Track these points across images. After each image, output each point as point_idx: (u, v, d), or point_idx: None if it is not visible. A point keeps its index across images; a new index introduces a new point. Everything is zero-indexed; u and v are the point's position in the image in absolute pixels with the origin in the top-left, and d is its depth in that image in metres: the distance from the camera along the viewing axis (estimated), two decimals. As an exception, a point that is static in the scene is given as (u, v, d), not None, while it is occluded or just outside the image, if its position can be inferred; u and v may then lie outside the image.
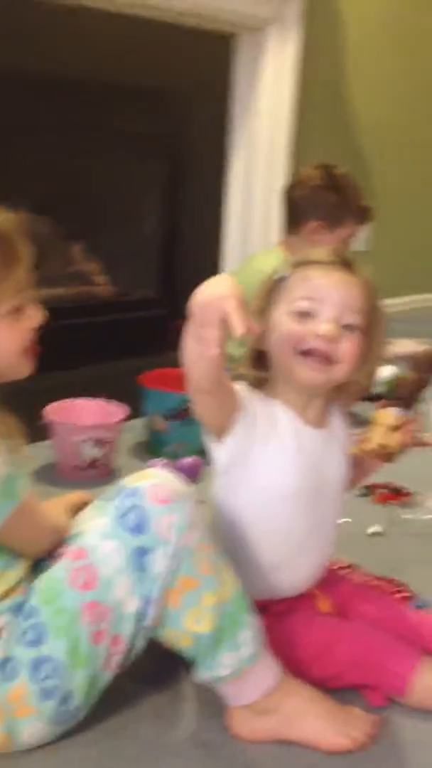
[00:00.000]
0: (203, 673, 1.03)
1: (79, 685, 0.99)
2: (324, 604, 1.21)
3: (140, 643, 1.02)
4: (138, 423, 2.04)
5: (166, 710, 1.10)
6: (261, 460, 1.09)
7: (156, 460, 1.87)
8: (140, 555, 0.97)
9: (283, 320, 1.08)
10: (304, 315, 1.07)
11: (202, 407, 1.05)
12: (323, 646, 1.13)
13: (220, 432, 1.07)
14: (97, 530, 1.00)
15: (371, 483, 1.86)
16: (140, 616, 0.99)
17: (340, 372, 1.08)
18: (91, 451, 1.82)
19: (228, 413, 1.06)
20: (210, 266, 2.97)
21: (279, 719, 1.04)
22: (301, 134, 3.02)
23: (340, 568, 1.41)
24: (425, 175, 3.85)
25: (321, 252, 1.12)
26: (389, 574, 1.44)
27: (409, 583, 1.41)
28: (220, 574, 1.01)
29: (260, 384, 1.12)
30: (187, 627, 1.00)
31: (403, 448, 1.19)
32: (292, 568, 1.15)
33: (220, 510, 1.13)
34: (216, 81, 2.89)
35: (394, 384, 1.21)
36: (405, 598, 1.35)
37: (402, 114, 3.60)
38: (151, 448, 1.99)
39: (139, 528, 0.97)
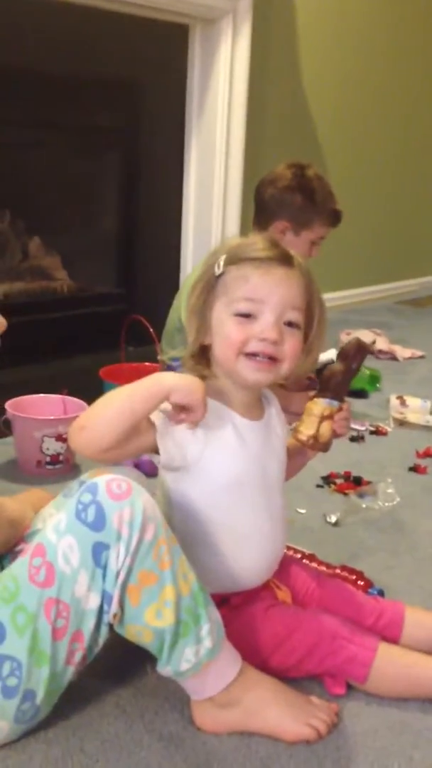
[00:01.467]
0: (165, 668, 1.04)
1: (41, 682, 1.00)
2: (282, 594, 1.23)
3: (102, 638, 1.03)
4: (99, 418, 2.04)
5: (130, 705, 1.11)
6: (204, 456, 1.09)
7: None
8: (98, 551, 0.98)
9: (225, 321, 1.08)
10: (246, 316, 1.07)
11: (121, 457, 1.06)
12: (282, 635, 1.15)
13: (151, 449, 1.08)
14: (56, 526, 1.00)
15: (330, 473, 1.89)
16: (100, 611, 1.00)
17: (284, 369, 1.10)
18: (52, 447, 1.82)
19: (146, 443, 1.06)
20: (169, 259, 2.97)
21: (241, 711, 1.06)
22: (256, 124, 3.03)
23: (301, 557, 1.43)
24: (377, 161, 3.89)
25: (259, 246, 1.09)
26: (348, 562, 1.47)
27: (366, 570, 1.43)
28: (179, 568, 1.01)
29: (202, 379, 1.13)
30: (148, 622, 1.00)
31: (335, 437, 1.21)
32: (246, 559, 1.16)
33: (171, 505, 1.14)
34: (172, 73, 2.89)
35: (324, 376, 1.22)
36: (363, 586, 1.37)
37: (352, 102, 3.63)
38: (113, 443, 1.99)
39: (97, 524, 0.98)
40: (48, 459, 1.82)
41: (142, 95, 2.83)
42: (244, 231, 3.09)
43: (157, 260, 2.94)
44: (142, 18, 2.61)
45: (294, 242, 2.15)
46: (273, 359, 1.08)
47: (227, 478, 1.12)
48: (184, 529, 1.11)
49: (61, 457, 1.83)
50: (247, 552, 1.16)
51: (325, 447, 1.21)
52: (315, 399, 1.20)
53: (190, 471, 1.10)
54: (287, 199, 2.14)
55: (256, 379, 1.09)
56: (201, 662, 1.03)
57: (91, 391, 1.97)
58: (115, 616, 1.01)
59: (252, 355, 1.07)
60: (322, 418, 1.19)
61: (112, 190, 2.97)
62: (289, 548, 1.45)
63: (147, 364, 2.14)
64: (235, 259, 1.09)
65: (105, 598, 1.00)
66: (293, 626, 1.15)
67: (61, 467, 1.84)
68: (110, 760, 1.01)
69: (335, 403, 1.20)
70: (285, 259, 1.09)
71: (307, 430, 1.18)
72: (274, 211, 2.16)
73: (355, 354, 1.22)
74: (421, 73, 4.01)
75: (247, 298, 1.06)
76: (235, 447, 1.11)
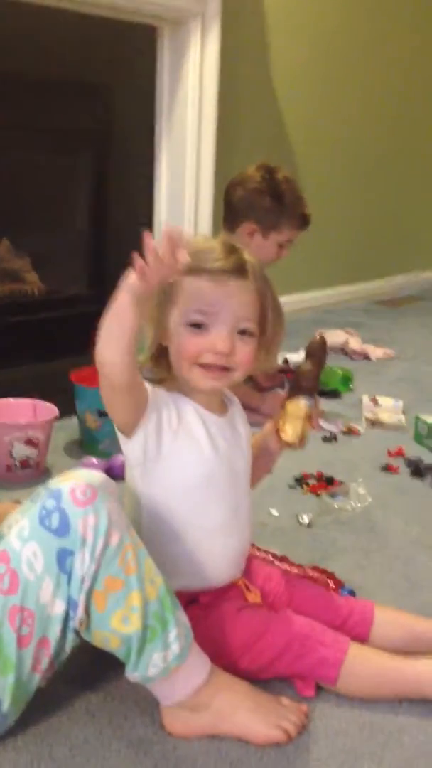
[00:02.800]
0: (133, 673, 1.03)
1: (6, 690, 0.99)
2: (252, 595, 1.22)
3: (70, 645, 1.02)
4: (71, 421, 2.03)
5: (99, 710, 1.10)
6: (172, 451, 1.11)
7: (89, 458, 1.87)
8: (63, 556, 0.97)
9: (179, 330, 1.09)
10: (199, 327, 1.08)
11: (117, 406, 1.06)
12: (252, 636, 1.14)
13: (131, 428, 1.08)
14: (20, 533, 0.99)
15: (303, 474, 1.89)
16: (66, 617, 0.99)
17: (236, 376, 1.13)
18: (22, 451, 1.80)
19: (141, 409, 1.07)
20: (141, 261, 2.95)
21: (211, 715, 1.05)
22: (227, 125, 3.03)
23: (273, 559, 1.43)
24: (350, 162, 3.90)
25: (215, 256, 1.09)
26: (320, 562, 1.47)
27: (338, 570, 1.44)
28: (145, 573, 1.01)
29: (162, 380, 1.14)
30: (114, 628, 1.00)
31: (306, 438, 1.24)
32: (214, 554, 1.16)
33: (140, 504, 1.14)
34: (142, 74, 2.88)
35: (297, 376, 1.26)
36: (334, 587, 1.37)
37: (324, 102, 3.64)
38: (85, 446, 1.98)
39: (61, 530, 0.97)
40: (17, 464, 1.80)
41: (111, 97, 2.82)
42: (215, 232, 3.09)
43: (129, 262, 2.92)
44: (110, 20, 2.60)
45: (262, 244, 2.15)
46: (225, 368, 1.10)
47: (195, 469, 1.13)
48: (153, 527, 1.11)
49: (31, 462, 1.81)
50: (215, 547, 1.16)
51: (302, 444, 1.24)
52: (293, 400, 1.23)
53: (160, 463, 1.11)
54: (256, 201, 2.14)
55: (209, 386, 1.12)
56: (169, 667, 1.02)
57: (62, 395, 1.98)
58: (81, 622, 1.00)
59: (205, 365, 1.09)
60: (307, 418, 1.22)
61: (82, 191, 2.95)
62: (260, 550, 1.45)
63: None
64: (190, 267, 1.08)
65: (71, 604, 0.99)
66: (263, 628, 1.15)
67: (31, 472, 1.82)
68: (79, 766, 1.00)
69: (312, 402, 1.23)
70: (239, 270, 1.09)
71: (294, 431, 1.21)
72: (242, 212, 2.16)
73: (322, 351, 1.26)
74: (394, 73, 4.03)
75: (200, 310, 1.08)
76: (203, 441, 1.13)
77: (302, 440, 1.22)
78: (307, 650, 1.14)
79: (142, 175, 2.97)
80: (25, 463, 1.81)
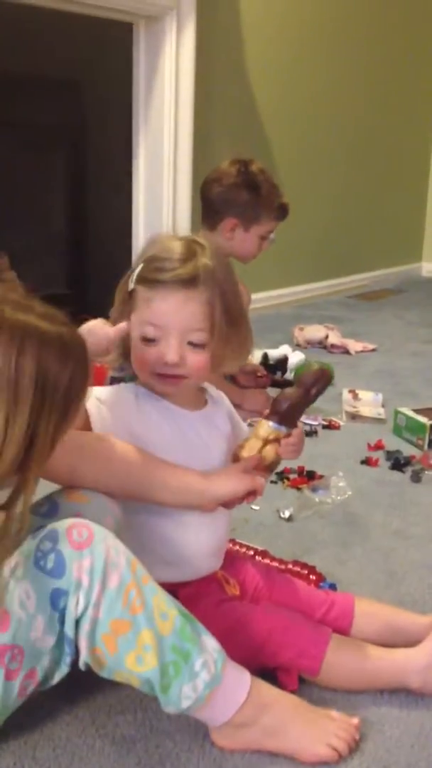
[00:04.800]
0: (167, 707, 1.01)
1: None
2: (231, 588, 1.23)
3: (60, 675, 1.01)
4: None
5: (81, 710, 1.10)
6: (145, 441, 1.13)
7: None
8: (57, 596, 0.96)
9: (135, 341, 1.14)
10: (151, 340, 1.12)
11: None
12: (234, 628, 1.14)
13: None
14: (13, 571, 0.97)
15: (284, 468, 1.90)
16: (58, 651, 0.99)
17: (192, 382, 1.17)
18: (3, 452, 1.79)
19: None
20: (121, 259, 2.95)
21: (257, 730, 1.03)
22: (203, 120, 3.03)
23: (254, 554, 1.43)
24: (326, 156, 3.91)
25: (168, 265, 1.10)
26: (301, 556, 1.48)
27: (319, 563, 1.44)
28: (154, 609, 0.98)
29: (134, 376, 1.18)
30: (130, 669, 0.97)
31: (278, 461, 1.19)
32: (188, 547, 1.17)
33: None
34: (117, 70, 2.88)
35: (277, 398, 1.18)
36: (314, 581, 1.38)
37: (299, 97, 3.64)
38: (65, 445, 1.98)
39: (56, 571, 0.96)
40: (-2, 463, 1.79)
41: (87, 93, 2.82)
42: (194, 227, 3.09)
43: (108, 260, 2.91)
44: (86, 16, 2.60)
45: (244, 238, 2.16)
46: (179, 376, 1.14)
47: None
48: (127, 519, 1.11)
49: (11, 461, 1.80)
50: (190, 539, 1.17)
51: (268, 469, 1.19)
52: (262, 420, 1.18)
53: None
54: (233, 196, 2.14)
55: (168, 392, 1.16)
56: (202, 696, 0.99)
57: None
58: (95, 665, 0.99)
59: (160, 374, 1.13)
60: (266, 442, 1.17)
61: (60, 189, 2.95)
62: (241, 545, 1.46)
63: (97, 365, 2.11)
64: (144, 277, 1.12)
65: (65, 640, 0.98)
66: (245, 620, 1.16)
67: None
68: (63, 766, 1.01)
69: (283, 429, 1.17)
70: (190, 281, 1.10)
71: (248, 452, 1.17)
72: (221, 209, 2.16)
73: (314, 383, 1.17)
74: (369, 68, 4.05)
75: (151, 323, 1.11)
76: (168, 433, 1.16)
77: (260, 462, 1.17)
78: (289, 642, 1.14)
79: (120, 171, 2.97)
80: (5, 463, 1.80)
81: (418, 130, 4.62)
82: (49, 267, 2.92)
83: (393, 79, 4.26)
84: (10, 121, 2.60)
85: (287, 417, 1.17)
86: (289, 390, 1.18)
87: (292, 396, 1.17)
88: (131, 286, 1.13)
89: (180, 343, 1.11)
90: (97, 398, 1.14)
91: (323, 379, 1.18)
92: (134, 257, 1.19)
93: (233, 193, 2.14)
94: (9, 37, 2.46)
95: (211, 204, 2.19)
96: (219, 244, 2.18)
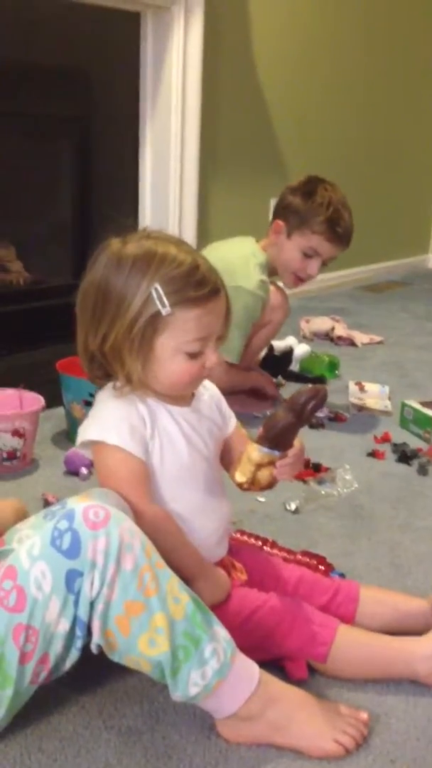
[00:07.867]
0: (175, 693, 1.01)
1: (3, 701, 0.98)
2: (238, 573, 1.24)
3: (71, 661, 1.02)
4: (58, 411, 2.03)
5: (88, 701, 1.10)
6: (153, 452, 1.13)
7: (76, 449, 1.86)
8: (72, 577, 0.96)
9: (173, 358, 1.10)
10: (195, 354, 1.11)
11: None
12: (243, 616, 1.15)
13: None
14: (29, 551, 0.97)
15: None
16: (71, 635, 0.99)
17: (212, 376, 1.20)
18: (9, 442, 1.79)
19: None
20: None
21: (264, 725, 1.03)
22: (211, 111, 3.02)
23: (262, 544, 1.43)
24: (332, 147, 3.88)
25: (198, 278, 1.08)
26: (308, 548, 1.48)
27: (327, 555, 1.44)
28: (168, 593, 0.99)
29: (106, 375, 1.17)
30: (142, 652, 0.98)
31: (275, 482, 1.17)
32: (194, 537, 1.17)
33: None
34: (125, 60, 2.86)
35: (268, 422, 1.13)
36: (324, 570, 1.38)
37: (307, 87, 3.62)
38: (72, 437, 1.97)
39: (71, 551, 0.96)
40: (4, 455, 1.80)
41: (94, 83, 2.80)
42: (200, 217, 3.09)
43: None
44: (93, 6, 2.58)
45: (284, 245, 2.12)
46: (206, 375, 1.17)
47: (173, 464, 1.15)
48: None
49: (17, 453, 1.81)
50: (195, 529, 1.17)
51: (265, 489, 1.18)
52: (254, 445, 1.14)
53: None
54: (288, 198, 2.12)
55: (189, 391, 1.20)
56: (210, 684, 1.00)
57: (48, 385, 1.97)
58: (107, 648, 0.99)
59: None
60: (259, 467, 1.14)
61: (66, 179, 2.94)
62: (249, 535, 1.46)
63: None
64: (188, 298, 1.07)
65: (77, 623, 0.98)
66: (253, 607, 1.16)
67: (18, 463, 1.82)
68: (69, 757, 1.01)
69: (276, 453, 1.13)
70: (218, 288, 1.11)
71: (242, 476, 1.15)
72: (276, 210, 2.16)
73: (306, 402, 1.11)
74: (378, 58, 4.02)
75: (200, 338, 1.10)
76: (176, 434, 1.15)
77: (255, 485, 1.16)
78: (298, 628, 1.15)
79: (127, 162, 2.95)
80: (11, 455, 1.80)
81: (426, 121, 4.59)
82: (55, 257, 2.91)
83: (402, 70, 4.23)
84: (16, 111, 2.58)
85: (279, 441, 1.13)
86: (281, 412, 1.12)
87: (283, 419, 1.12)
88: (166, 310, 1.06)
89: (216, 347, 1.14)
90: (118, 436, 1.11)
91: (317, 398, 1.11)
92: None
93: (288, 195, 2.12)
94: (16, 27, 2.45)
95: (275, 205, 2.18)
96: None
